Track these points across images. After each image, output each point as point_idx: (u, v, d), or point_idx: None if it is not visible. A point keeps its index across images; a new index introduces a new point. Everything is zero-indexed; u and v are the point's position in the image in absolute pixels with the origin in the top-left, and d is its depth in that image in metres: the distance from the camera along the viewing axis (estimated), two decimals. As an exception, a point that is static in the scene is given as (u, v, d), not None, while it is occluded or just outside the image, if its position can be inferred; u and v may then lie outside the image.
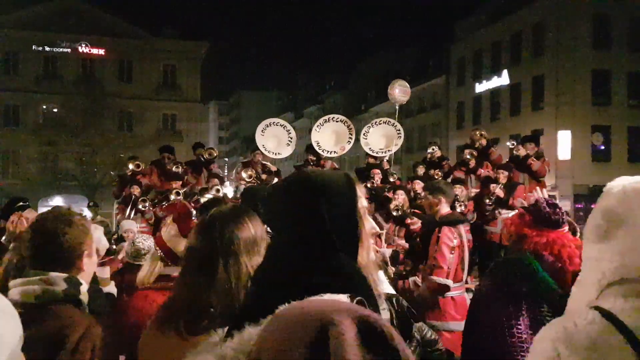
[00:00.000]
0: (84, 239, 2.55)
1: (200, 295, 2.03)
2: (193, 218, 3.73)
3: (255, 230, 2.18)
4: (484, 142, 13.46)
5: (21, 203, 6.14)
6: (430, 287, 5.78)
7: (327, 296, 1.32)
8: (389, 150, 12.95)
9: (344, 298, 1.32)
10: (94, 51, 46.93)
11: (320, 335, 1.02)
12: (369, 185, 11.89)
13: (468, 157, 12.89)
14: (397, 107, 13.78)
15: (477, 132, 13.99)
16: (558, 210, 3.80)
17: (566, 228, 3.89)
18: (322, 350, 1.00)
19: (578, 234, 4.36)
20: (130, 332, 2.86)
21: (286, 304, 1.25)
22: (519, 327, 3.42)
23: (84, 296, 2.46)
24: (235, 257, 2.06)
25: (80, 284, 2.46)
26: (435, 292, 5.78)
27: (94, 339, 2.28)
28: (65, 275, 2.42)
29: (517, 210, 4.34)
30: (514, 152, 12.38)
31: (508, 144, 13.21)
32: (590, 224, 1.75)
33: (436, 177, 12.22)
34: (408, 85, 14.35)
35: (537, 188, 4.61)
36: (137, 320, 2.88)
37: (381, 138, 12.95)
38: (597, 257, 1.70)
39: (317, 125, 12.90)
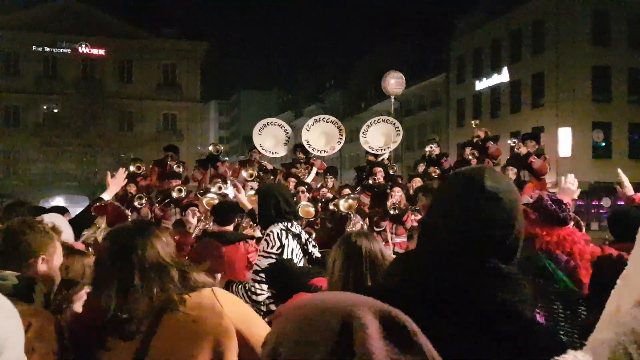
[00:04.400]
0: (44, 245, 2.63)
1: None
2: (127, 217, 3.79)
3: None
4: (481, 134, 13.47)
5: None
6: None
7: None
8: (387, 148, 12.97)
9: None
10: (94, 51, 46.90)
11: (343, 328, 1.02)
12: (370, 182, 11.90)
13: (470, 157, 12.89)
14: (392, 100, 13.77)
15: (474, 123, 14.02)
16: (564, 206, 3.86)
17: (572, 224, 3.89)
18: (346, 343, 1.00)
19: (583, 229, 4.36)
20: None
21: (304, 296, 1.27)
22: None
23: (38, 297, 2.46)
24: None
25: (35, 283, 2.49)
26: None
27: (39, 332, 2.26)
28: (18, 273, 2.47)
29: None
30: (515, 149, 12.35)
31: (509, 142, 13.19)
32: None
33: (434, 175, 12.22)
34: (402, 76, 14.33)
35: (570, 176, 4.56)
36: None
37: (380, 136, 12.97)
38: None
39: (308, 125, 13.01)
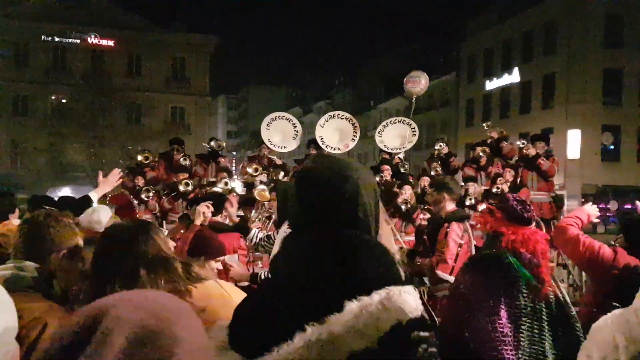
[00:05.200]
0: (68, 239, 2.65)
1: None
2: (135, 209, 3.83)
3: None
4: (494, 135, 13.42)
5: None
6: (432, 279, 5.80)
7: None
8: (403, 148, 12.91)
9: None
10: (103, 43, 47.01)
11: (92, 323, 0.99)
12: (377, 179, 11.85)
13: (481, 154, 12.85)
14: (412, 101, 13.58)
15: (485, 125, 13.97)
16: (528, 207, 3.98)
17: (534, 224, 4.09)
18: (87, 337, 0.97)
19: (543, 230, 4.54)
20: None
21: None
22: (500, 321, 3.62)
23: (57, 289, 2.50)
24: None
25: (54, 277, 2.52)
26: (436, 284, 5.79)
27: (43, 323, 2.29)
28: (37, 265, 2.50)
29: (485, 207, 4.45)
30: (524, 151, 12.29)
31: (518, 142, 13.13)
32: None
33: (437, 171, 12.22)
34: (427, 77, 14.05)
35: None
36: None
37: (396, 138, 12.87)
38: None
39: (322, 121, 12.87)
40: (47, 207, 3.80)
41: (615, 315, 1.65)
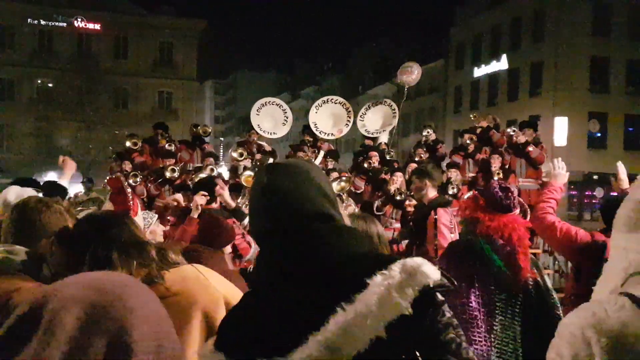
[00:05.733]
0: (59, 225, 2.64)
1: None
2: (128, 195, 3.80)
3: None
4: (484, 124, 13.43)
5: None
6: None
7: None
8: (384, 131, 12.85)
9: None
10: (90, 26, 46.55)
11: (35, 310, 1.02)
12: (366, 165, 11.83)
13: (468, 142, 12.86)
14: (406, 91, 13.52)
15: (472, 116, 14.00)
16: (509, 194, 3.99)
17: (517, 211, 4.11)
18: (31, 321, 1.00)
19: (528, 217, 4.57)
20: None
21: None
22: (470, 304, 3.74)
23: (45, 274, 2.50)
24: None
25: (44, 261, 2.53)
26: None
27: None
28: (27, 249, 2.52)
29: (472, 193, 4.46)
30: (514, 138, 12.30)
31: (509, 130, 13.12)
32: (622, 214, 1.78)
33: (421, 158, 12.23)
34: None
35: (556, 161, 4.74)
36: None
37: (378, 119, 12.83)
38: (625, 247, 1.72)
39: (315, 107, 12.77)
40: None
41: (580, 310, 1.64)
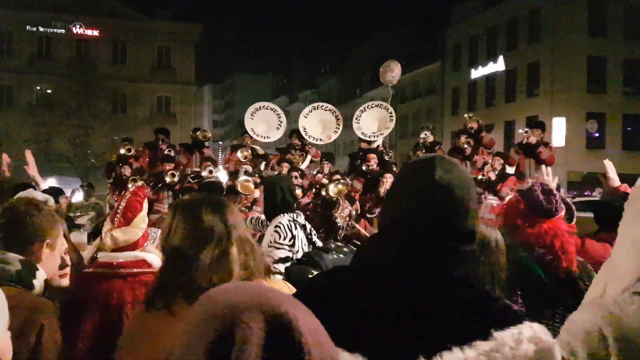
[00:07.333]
0: (49, 228, 2.56)
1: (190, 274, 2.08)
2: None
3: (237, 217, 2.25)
4: (474, 125, 13.42)
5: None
6: None
7: None
8: (381, 134, 12.90)
9: None
10: (88, 32, 46.58)
11: (223, 336, 0.94)
12: (364, 168, 11.87)
13: (465, 146, 12.85)
14: (390, 88, 13.66)
15: (467, 115, 13.99)
16: (552, 198, 3.76)
17: (562, 213, 3.87)
18: (221, 356, 0.92)
19: (574, 220, 4.39)
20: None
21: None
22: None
23: (39, 282, 2.43)
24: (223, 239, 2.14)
25: (37, 269, 2.44)
26: None
27: (39, 324, 2.24)
28: (21, 257, 2.42)
29: (507, 198, 4.36)
30: (526, 139, 12.17)
31: (521, 131, 13.08)
32: (633, 208, 1.74)
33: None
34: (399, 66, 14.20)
35: (543, 168, 4.63)
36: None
37: (374, 122, 12.88)
38: (634, 239, 1.68)
39: (305, 112, 12.90)
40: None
41: (594, 307, 1.61)
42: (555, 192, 3.88)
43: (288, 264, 4.40)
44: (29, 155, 5.33)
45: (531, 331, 1.37)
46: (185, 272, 2.06)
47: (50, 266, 2.58)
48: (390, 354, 1.36)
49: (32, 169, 5.36)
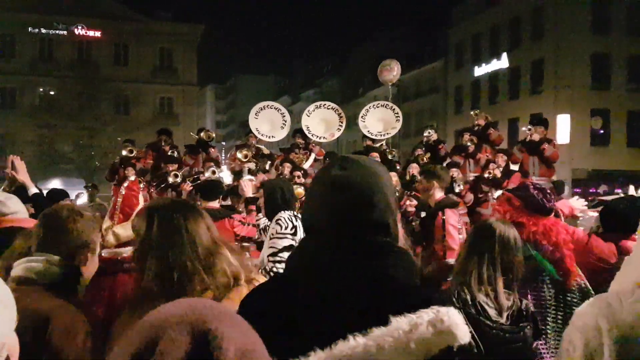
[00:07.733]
0: (92, 235, 2.67)
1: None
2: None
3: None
4: (482, 121, 13.40)
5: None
6: (442, 268, 5.79)
7: None
8: (387, 134, 12.90)
9: None
10: (90, 33, 46.69)
11: (147, 347, 0.96)
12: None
13: (469, 143, 12.84)
14: (390, 87, 13.69)
15: (473, 113, 13.99)
16: (549, 196, 3.89)
17: (552, 214, 4.02)
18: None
19: (562, 218, 4.47)
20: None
21: None
22: None
23: (82, 287, 2.55)
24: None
25: (80, 273, 2.55)
26: (444, 273, 5.79)
27: (81, 328, 2.33)
28: (66, 262, 2.51)
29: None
30: (530, 136, 12.19)
31: (524, 128, 13.07)
32: None
33: (425, 160, 12.23)
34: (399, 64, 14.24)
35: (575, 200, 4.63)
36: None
37: (379, 122, 12.90)
38: None
39: (308, 111, 12.92)
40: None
41: (596, 299, 1.64)
42: (548, 190, 3.98)
43: None
44: (17, 161, 5.36)
45: (433, 315, 1.37)
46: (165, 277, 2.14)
47: (91, 269, 2.70)
48: (294, 350, 1.37)
49: (21, 174, 5.37)
